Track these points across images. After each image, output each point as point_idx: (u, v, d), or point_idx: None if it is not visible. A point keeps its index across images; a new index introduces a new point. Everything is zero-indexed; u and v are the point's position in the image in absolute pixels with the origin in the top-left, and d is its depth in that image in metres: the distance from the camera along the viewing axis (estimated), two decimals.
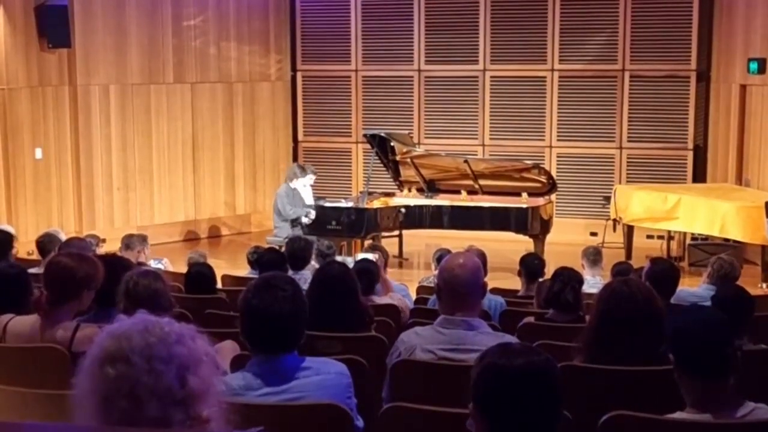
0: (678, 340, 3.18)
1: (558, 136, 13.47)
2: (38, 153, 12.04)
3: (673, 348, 3.17)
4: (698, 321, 3.20)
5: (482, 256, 6.77)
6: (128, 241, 8.74)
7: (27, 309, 4.53)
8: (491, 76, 13.64)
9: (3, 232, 6.99)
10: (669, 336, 3.24)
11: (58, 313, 4.17)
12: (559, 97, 13.39)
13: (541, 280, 7.22)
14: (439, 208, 11.38)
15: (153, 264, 8.48)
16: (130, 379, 1.99)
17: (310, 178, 11.99)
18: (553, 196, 11.94)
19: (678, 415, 3.13)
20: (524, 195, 11.49)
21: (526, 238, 11.20)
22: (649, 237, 12.27)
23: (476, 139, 13.77)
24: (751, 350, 4.40)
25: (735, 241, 10.87)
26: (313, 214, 11.29)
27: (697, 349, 3.11)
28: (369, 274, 6.02)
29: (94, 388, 2.02)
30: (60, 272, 4.20)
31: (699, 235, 11.39)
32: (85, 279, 4.19)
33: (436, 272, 7.04)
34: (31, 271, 6.31)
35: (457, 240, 10.52)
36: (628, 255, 11.42)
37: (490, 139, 13.72)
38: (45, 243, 7.83)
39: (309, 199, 11.74)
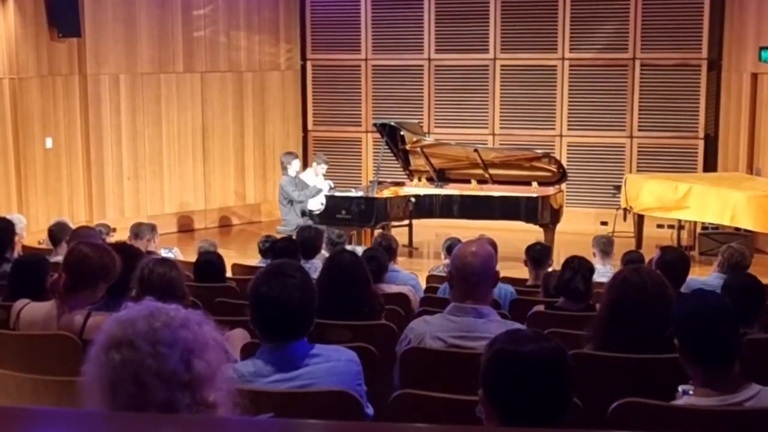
0: (683, 326, 3.18)
1: (568, 125, 13.44)
2: (48, 142, 12.07)
3: (679, 333, 3.18)
4: (704, 307, 3.21)
5: (493, 245, 6.75)
6: (137, 230, 8.74)
7: (42, 295, 4.57)
8: (501, 65, 13.61)
9: (4, 221, 6.98)
10: (675, 321, 3.25)
11: (74, 299, 4.21)
12: (569, 86, 13.36)
13: (550, 269, 7.22)
14: (449, 198, 11.36)
15: (164, 253, 8.48)
16: (135, 363, 2.01)
17: (322, 168, 12.03)
18: (564, 186, 11.91)
19: (685, 399, 3.13)
20: (534, 184, 11.47)
21: (537, 227, 11.18)
22: (660, 226, 12.24)
23: (486, 128, 13.75)
24: (757, 338, 4.38)
25: (746, 231, 10.84)
26: (320, 200, 11.30)
27: (701, 335, 3.12)
28: (377, 262, 6.01)
29: (101, 374, 2.03)
30: (80, 261, 4.24)
31: (709, 224, 11.35)
32: (103, 271, 4.23)
33: (446, 261, 7.04)
34: None
35: (467, 229, 10.50)
36: (639, 244, 11.40)
37: (501, 128, 13.70)
38: (56, 232, 7.85)
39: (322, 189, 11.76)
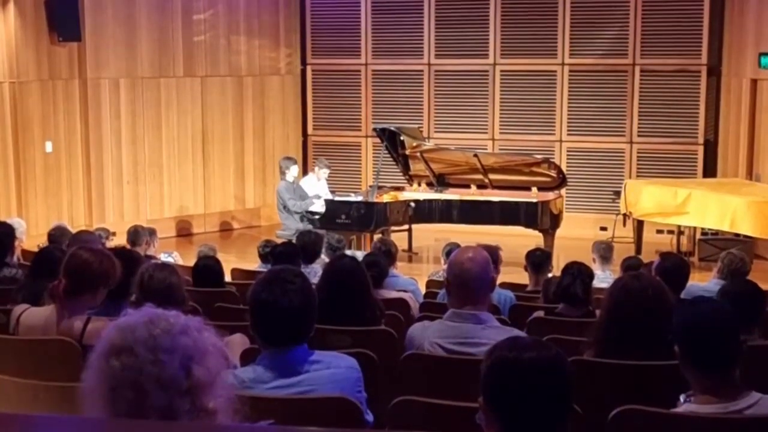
0: (683, 333, 3.18)
1: (568, 130, 13.44)
2: (48, 146, 12.07)
3: (679, 340, 3.18)
4: (704, 313, 3.21)
5: (495, 251, 6.74)
6: (134, 237, 8.69)
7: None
8: (501, 70, 13.61)
9: (4, 225, 6.97)
10: (675, 328, 3.24)
11: (74, 304, 4.20)
12: (569, 91, 13.36)
13: (550, 275, 7.21)
14: (448, 203, 11.36)
15: (163, 257, 8.48)
16: (135, 370, 2.00)
17: (324, 172, 12.03)
18: (563, 191, 11.91)
19: (686, 407, 3.13)
20: (534, 189, 11.47)
21: (536, 232, 11.18)
22: (659, 232, 12.24)
23: (486, 133, 13.75)
24: (757, 345, 4.37)
25: (745, 236, 10.83)
26: (320, 203, 11.29)
27: (701, 341, 3.12)
28: (377, 267, 6.01)
29: (100, 380, 2.03)
30: (80, 266, 4.23)
31: (709, 229, 11.36)
32: (103, 275, 4.22)
33: (446, 266, 7.03)
34: None
35: (466, 234, 10.50)
36: (638, 250, 11.40)
37: (500, 133, 13.70)
38: (56, 236, 7.85)
39: (325, 194, 11.74)
